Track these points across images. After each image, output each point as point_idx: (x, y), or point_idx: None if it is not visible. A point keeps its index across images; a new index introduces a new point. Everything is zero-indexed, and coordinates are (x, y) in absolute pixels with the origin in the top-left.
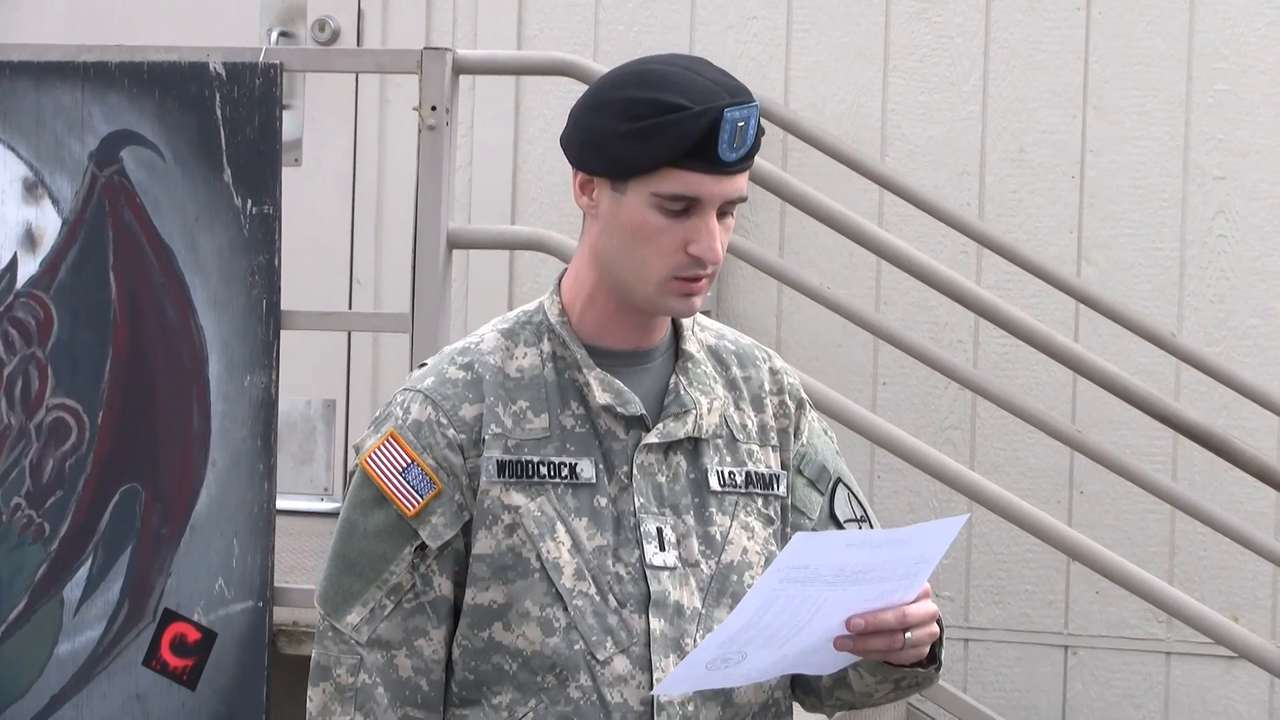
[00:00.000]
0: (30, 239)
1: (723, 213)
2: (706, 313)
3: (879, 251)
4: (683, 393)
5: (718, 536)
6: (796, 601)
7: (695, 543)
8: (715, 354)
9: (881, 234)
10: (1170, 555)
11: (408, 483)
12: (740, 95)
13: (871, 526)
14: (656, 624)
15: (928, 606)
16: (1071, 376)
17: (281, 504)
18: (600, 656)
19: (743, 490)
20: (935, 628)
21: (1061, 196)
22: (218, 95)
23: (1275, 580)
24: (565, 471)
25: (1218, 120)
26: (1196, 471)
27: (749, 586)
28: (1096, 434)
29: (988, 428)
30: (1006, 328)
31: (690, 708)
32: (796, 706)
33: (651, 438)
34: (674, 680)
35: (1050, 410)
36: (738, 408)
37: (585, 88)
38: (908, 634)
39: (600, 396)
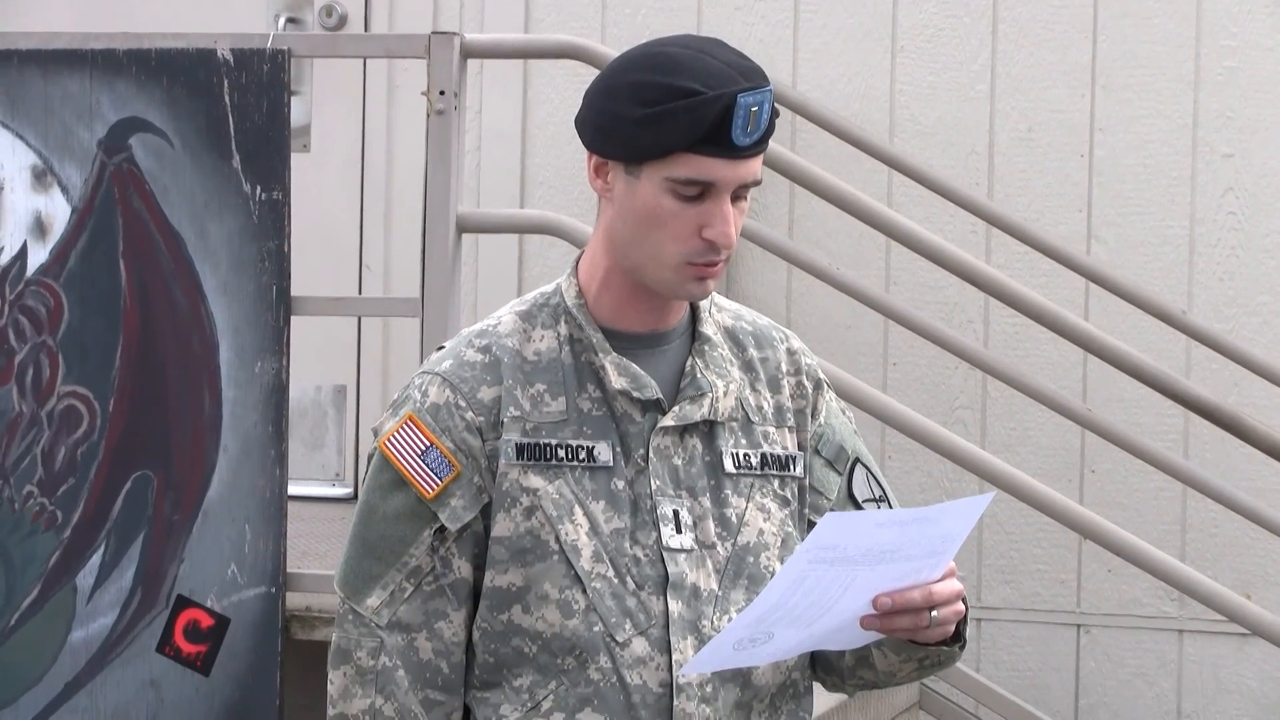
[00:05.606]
0: (40, 227)
1: (737, 196)
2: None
3: (888, 232)
4: (699, 376)
5: (733, 518)
6: (825, 581)
7: (711, 525)
8: (732, 335)
9: (890, 214)
10: (1182, 533)
11: (427, 465)
12: (754, 78)
13: (890, 506)
14: (674, 606)
15: (953, 585)
16: (1082, 355)
17: (293, 490)
18: (619, 638)
19: (758, 472)
20: (960, 606)
21: (1070, 175)
22: (226, 82)
23: None
24: (583, 454)
25: (1226, 98)
26: (1207, 449)
27: (765, 568)
28: (1107, 412)
29: (998, 407)
30: (1016, 307)
31: (709, 689)
32: (817, 686)
33: (668, 421)
34: (701, 660)
35: (1061, 389)
36: (754, 389)
37: (593, 71)
38: (934, 612)
39: (616, 381)
